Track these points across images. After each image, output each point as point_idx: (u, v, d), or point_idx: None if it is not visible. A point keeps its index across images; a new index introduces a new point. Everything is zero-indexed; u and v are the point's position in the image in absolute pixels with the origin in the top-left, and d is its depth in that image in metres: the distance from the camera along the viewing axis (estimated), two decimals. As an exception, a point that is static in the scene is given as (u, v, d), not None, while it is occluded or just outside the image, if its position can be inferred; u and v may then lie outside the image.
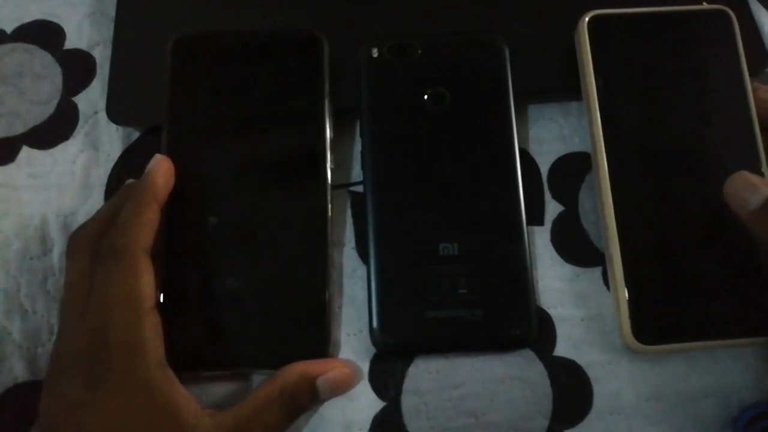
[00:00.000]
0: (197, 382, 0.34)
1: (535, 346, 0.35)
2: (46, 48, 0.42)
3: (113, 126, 0.39)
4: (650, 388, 0.34)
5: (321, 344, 0.33)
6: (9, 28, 0.42)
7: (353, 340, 0.35)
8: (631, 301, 0.33)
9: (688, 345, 0.33)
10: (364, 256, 0.36)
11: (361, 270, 0.36)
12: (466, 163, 0.36)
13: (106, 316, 0.30)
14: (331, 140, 0.36)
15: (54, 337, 0.35)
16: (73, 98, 0.41)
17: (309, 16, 0.41)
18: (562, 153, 0.39)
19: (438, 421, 0.33)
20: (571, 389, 0.34)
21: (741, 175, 0.33)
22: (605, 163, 0.35)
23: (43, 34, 0.42)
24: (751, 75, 0.36)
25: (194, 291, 0.34)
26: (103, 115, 0.39)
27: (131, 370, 0.29)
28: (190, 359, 0.33)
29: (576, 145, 0.39)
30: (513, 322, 0.34)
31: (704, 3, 0.38)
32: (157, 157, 0.35)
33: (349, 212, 0.38)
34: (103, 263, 0.31)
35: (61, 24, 0.42)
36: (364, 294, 0.35)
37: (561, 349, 0.35)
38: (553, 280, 0.36)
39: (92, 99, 0.40)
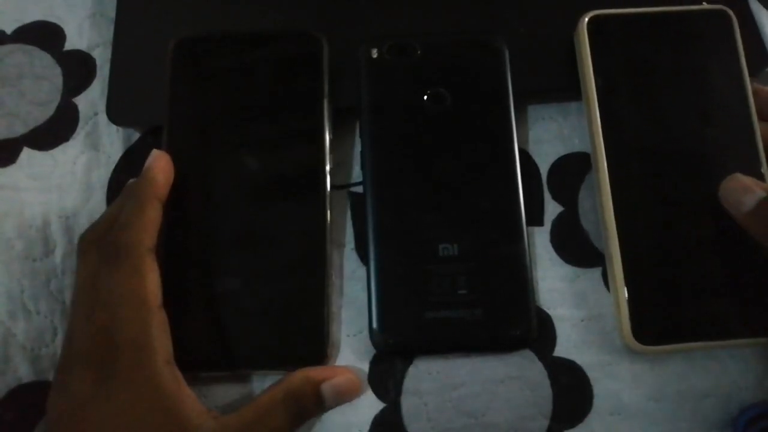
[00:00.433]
0: (197, 383, 0.34)
1: (535, 346, 0.35)
2: (46, 49, 0.42)
3: (113, 127, 0.40)
4: (650, 388, 0.34)
5: (320, 344, 0.33)
6: (9, 29, 0.42)
7: (353, 340, 0.35)
8: (631, 302, 0.33)
9: (688, 345, 0.33)
10: (363, 256, 0.36)
11: (361, 270, 0.36)
12: (466, 163, 0.36)
13: (113, 315, 0.30)
14: (330, 141, 0.36)
15: (58, 338, 0.35)
16: (73, 99, 0.41)
17: (309, 17, 0.40)
18: (562, 153, 0.39)
19: (438, 421, 0.33)
20: (571, 389, 0.34)
21: (735, 177, 0.34)
22: (605, 164, 0.35)
23: (43, 35, 0.42)
24: (751, 75, 0.36)
25: (193, 291, 0.34)
26: (103, 116, 0.39)
27: (138, 369, 0.29)
28: (190, 360, 0.33)
29: (576, 146, 0.39)
30: (513, 322, 0.34)
31: (704, 3, 0.38)
32: (155, 153, 0.35)
33: (348, 213, 0.38)
34: (108, 262, 0.31)
35: (61, 25, 0.42)
36: (363, 294, 0.35)
37: (561, 350, 0.35)
38: (553, 281, 0.36)
39: (92, 100, 0.40)
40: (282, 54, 0.38)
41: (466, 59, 0.38)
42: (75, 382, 0.30)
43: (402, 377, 0.34)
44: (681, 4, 0.37)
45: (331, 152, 0.36)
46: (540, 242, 0.37)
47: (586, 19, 0.37)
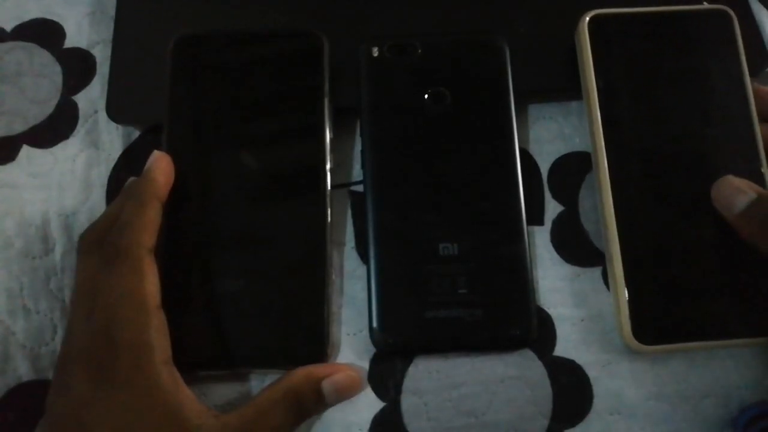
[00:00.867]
0: (197, 382, 0.34)
1: (535, 346, 0.35)
2: (45, 47, 0.42)
3: (113, 125, 0.39)
4: (650, 388, 0.34)
5: (320, 344, 0.33)
6: (8, 27, 0.42)
7: (353, 340, 0.35)
8: (631, 301, 0.33)
9: (688, 345, 0.33)
10: (364, 255, 0.36)
11: (361, 270, 0.36)
12: (466, 162, 0.36)
13: (112, 316, 0.30)
14: (331, 140, 0.36)
15: (57, 336, 0.35)
16: (73, 97, 0.40)
17: (309, 16, 0.40)
18: (563, 153, 0.39)
19: (438, 421, 0.33)
20: (571, 389, 0.34)
21: (726, 179, 0.34)
22: (605, 163, 0.35)
23: (43, 32, 0.42)
24: (751, 75, 0.36)
25: (193, 290, 0.34)
26: (103, 114, 0.39)
27: (137, 369, 0.29)
28: (190, 359, 0.33)
29: (576, 145, 0.39)
30: (513, 322, 0.34)
31: (705, 3, 0.38)
32: (156, 153, 0.35)
33: (349, 212, 0.38)
34: (108, 262, 0.31)
35: (61, 23, 0.42)
36: (364, 294, 0.35)
37: (561, 349, 0.35)
38: (553, 280, 0.36)
39: (92, 98, 0.40)
40: (283, 53, 0.37)
41: (467, 59, 0.38)
42: (74, 382, 0.30)
43: (402, 376, 0.34)
44: (682, 3, 0.37)
45: (331, 151, 0.36)
46: (540, 242, 0.37)
47: (587, 19, 0.37)
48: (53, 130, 0.40)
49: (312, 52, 0.37)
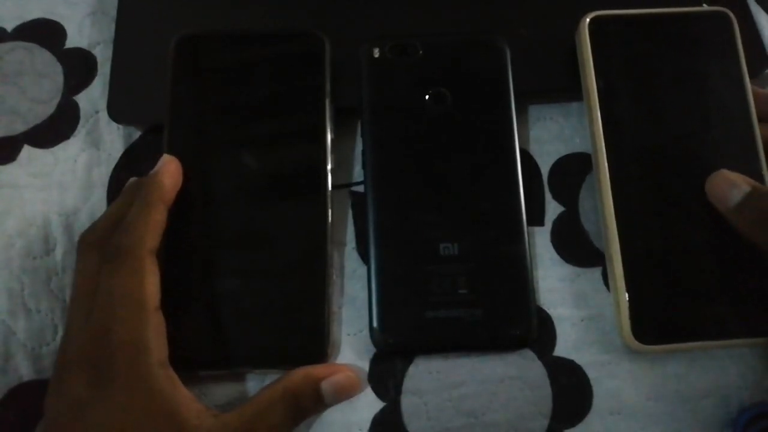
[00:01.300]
0: (197, 382, 0.34)
1: (535, 346, 0.35)
2: (46, 47, 0.42)
3: (114, 125, 0.39)
4: (650, 388, 0.34)
5: (321, 344, 0.33)
6: (9, 27, 0.42)
7: (353, 340, 0.35)
8: (631, 301, 0.33)
9: (687, 345, 0.33)
10: (364, 256, 0.36)
11: (362, 270, 0.36)
12: (467, 163, 0.36)
13: (111, 316, 0.30)
14: (332, 140, 0.36)
15: (58, 336, 0.35)
16: (74, 97, 0.40)
17: (311, 17, 0.41)
18: (563, 153, 0.39)
19: (438, 421, 0.33)
20: (571, 389, 0.34)
21: (721, 173, 0.34)
22: (605, 164, 0.35)
23: (44, 32, 0.42)
24: (751, 77, 0.36)
25: (194, 290, 0.34)
26: (104, 114, 0.39)
27: (134, 370, 0.29)
28: (190, 359, 0.33)
29: (576, 146, 0.39)
30: (513, 322, 0.34)
31: (704, 5, 0.38)
32: (166, 157, 0.35)
33: (350, 212, 0.38)
34: (109, 263, 0.31)
35: (62, 23, 0.42)
36: (364, 294, 0.35)
37: (561, 349, 0.35)
38: (553, 280, 0.36)
39: (93, 98, 0.40)
40: (284, 53, 0.37)
41: (468, 59, 0.38)
42: (72, 383, 0.30)
43: (402, 376, 0.34)
44: (681, 5, 0.37)
45: (332, 152, 0.36)
46: (540, 242, 0.37)
47: (588, 20, 0.37)
48: (54, 130, 0.40)
49: (313, 52, 0.37)
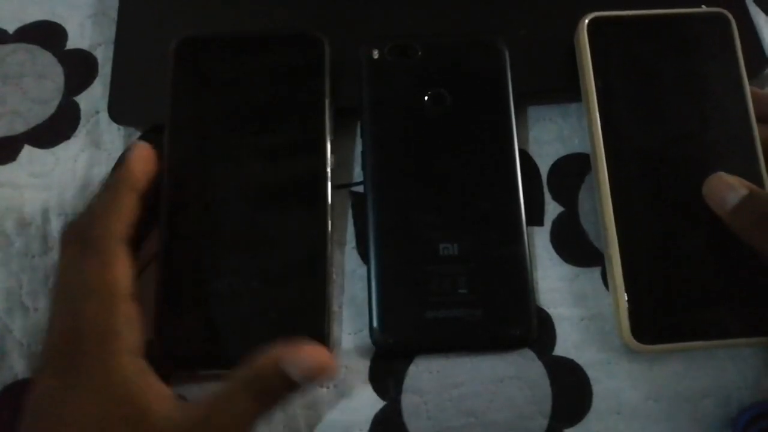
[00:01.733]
0: (197, 382, 0.34)
1: (535, 345, 0.35)
2: (47, 48, 0.42)
3: (115, 125, 0.39)
4: (650, 388, 0.34)
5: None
6: (11, 29, 0.42)
7: (353, 339, 0.35)
8: (631, 301, 0.33)
9: (687, 345, 0.33)
10: (364, 255, 0.36)
11: (362, 269, 0.36)
12: (466, 163, 0.36)
13: (78, 306, 0.30)
14: (331, 141, 0.36)
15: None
16: (74, 97, 0.41)
17: (310, 18, 0.41)
18: (562, 154, 0.39)
19: (438, 420, 0.33)
20: (571, 389, 0.34)
21: (718, 175, 0.34)
22: (604, 165, 0.35)
23: (45, 34, 0.42)
24: (749, 78, 0.36)
25: (194, 290, 0.34)
26: (104, 115, 0.39)
27: (101, 360, 0.29)
28: (189, 358, 0.33)
29: (576, 146, 0.39)
30: (513, 322, 0.34)
31: (703, 6, 0.38)
32: (136, 143, 0.34)
33: (350, 212, 0.38)
34: (80, 254, 0.31)
35: (63, 24, 0.42)
36: (364, 294, 0.35)
37: (560, 349, 0.35)
38: (553, 280, 0.36)
39: (94, 98, 0.40)
40: (284, 54, 0.38)
41: (467, 60, 0.38)
42: (45, 376, 0.29)
43: (402, 376, 0.34)
44: (680, 6, 0.38)
45: (332, 152, 0.36)
46: (540, 242, 0.37)
47: (586, 21, 0.37)
48: (54, 130, 0.40)
49: (313, 53, 0.37)
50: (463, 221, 0.35)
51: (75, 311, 0.30)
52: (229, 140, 0.36)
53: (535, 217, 0.37)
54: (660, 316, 0.33)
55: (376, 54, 0.38)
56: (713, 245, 0.34)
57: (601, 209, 0.35)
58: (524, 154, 0.39)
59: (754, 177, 0.35)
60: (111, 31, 0.41)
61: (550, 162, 0.39)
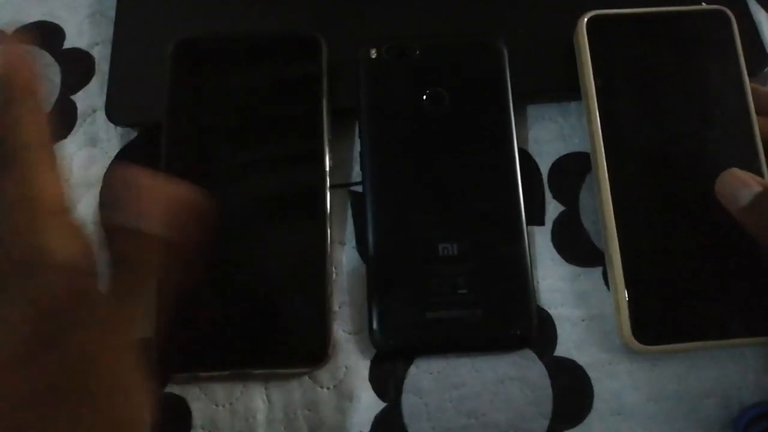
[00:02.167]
0: (197, 382, 0.34)
1: (536, 346, 0.35)
2: (45, 47, 0.42)
3: (112, 124, 0.39)
4: (651, 388, 0.34)
5: (321, 343, 0.33)
6: (10, 30, 0.42)
7: (353, 340, 0.35)
8: (631, 302, 0.33)
9: (688, 345, 0.33)
10: (364, 255, 0.36)
11: (361, 270, 0.36)
12: (466, 163, 0.36)
13: (4, 230, 0.25)
14: (329, 140, 0.36)
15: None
16: (71, 96, 0.40)
17: (308, 18, 0.40)
18: (562, 153, 0.39)
19: (438, 421, 0.33)
20: (572, 389, 0.34)
21: (731, 171, 0.34)
22: (604, 164, 0.35)
23: (43, 34, 0.42)
24: (750, 75, 0.36)
25: (194, 290, 0.34)
26: (101, 114, 0.39)
27: (27, 275, 0.25)
28: (189, 359, 0.33)
29: (576, 145, 0.39)
30: (513, 322, 0.34)
31: (703, 3, 0.38)
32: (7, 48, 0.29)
33: (349, 212, 0.37)
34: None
35: (61, 25, 0.42)
36: (364, 294, 0.35)
37: (561, 349, 0.35)
38: (554, 280, 0.36)
39: (91, 97, 0.40)
40: (281, 55, 0.38)
41: (465, 60, 0.38)
42: None
43: (403, 377, 0.34)
44: (680, 4, 0.38)
45: (330, 152, 0.36)
46: (541, 242, 0.37)
47: (586, 20, 0.37)
48: (51, 128, 0.39)
49: (311, 53, 0.37)
50: (463, 221, 0.35)
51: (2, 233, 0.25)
52: (226, 141, 0.36)
53: (536, 216, 0.37)
54: (661, 317, 0.33)
55: (374, 54, 0.38)
56: (714, 245, 0.34)
57: (601, 208, 0.35)
58: (524, 154, 0.38)
59: (755, 174, 0.34)
60: (108, 31, 0.41)
61: (551, 161, 0.39)
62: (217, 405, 0.33)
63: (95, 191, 0.38)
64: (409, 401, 0.34)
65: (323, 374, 0.34)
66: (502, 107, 0.37)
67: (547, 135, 0.39)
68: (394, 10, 0.40)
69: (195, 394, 0.31)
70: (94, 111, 0.40)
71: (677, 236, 0.34)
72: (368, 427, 0.33)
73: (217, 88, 0.37)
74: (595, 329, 0.35)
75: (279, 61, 0.37)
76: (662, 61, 0.37)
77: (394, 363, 0.34)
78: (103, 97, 0.38)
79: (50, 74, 0.41)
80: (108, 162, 0.39)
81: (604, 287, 0.36)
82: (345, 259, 0.36)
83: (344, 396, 0.34)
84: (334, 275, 0.35)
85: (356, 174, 0.38)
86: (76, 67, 0.41)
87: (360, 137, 0.37)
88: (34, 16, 0.43)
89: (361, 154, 0.36)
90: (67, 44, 0.42)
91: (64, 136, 0.39)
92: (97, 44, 0.42)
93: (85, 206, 0.38)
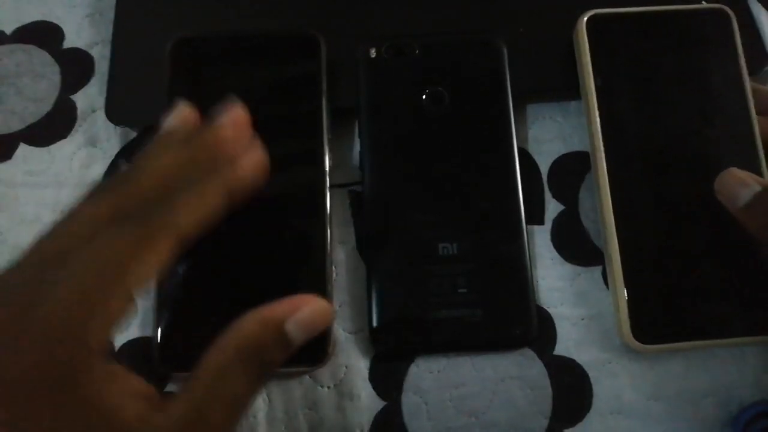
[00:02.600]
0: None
1: (536, 345, 0.35)
2: (44, 47, 0.42)
3: (111, 124, 0.39)
4: (650, 387, 0.34)
5: (321, 343, 0.33)
6: (8, 29, 0.42)
7: (353, 339, 0.35)
8: (631, 301, 0.33)
9: (687, 344, 0.33)
10: (364, 255, 0.36)
11: (361, 269, 0.36)
12: (465, 162, 0.36)
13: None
14: (329, 140, 0.36)
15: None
16: (71, 96, 0.40)
17: (307, 17, 0.40)
18: (562, 152, 0.39)
19: (439, 420, 0.33)
20: (571, 389, 0.34)
21: (731, 171, 0.34)
22: (604, 163, 0.35)
23: (42, 34, 0.42)
24: (750, 74, 0.36)
25: (194, 290, 0.34)
26: (101, 113, 0.39)
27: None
28: (189, 359, 0.33)
29: (576, 145, 0.39)
30: (513, 321, 0.34)
31: (703, 2, 0.38)
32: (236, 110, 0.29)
33: (349, 211, 0.37)
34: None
35: (60, 24, 0.42)
36: (364, 293, 0.35)
37: (561, 349, 0.35)
38: (554, 280, 0.36)
39: (90, 97, 0.40)
40: (281, 54, 0.37)
41: (465, 59, 0.38)
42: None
43: (403, 376, 0.34)
44: (680, 3, 0.37)
45: (330, 151, 0.36)
46: (541, 241, 0.37)
47: (585, 19, 0.37)
48: (51, 128, 0.40)
49: (310, 52, 0.37)
50: (463, 220, 0.35)
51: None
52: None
53: (536, 215, 0.37)
54: (660, 316, 0.33)
55: (373, 53, 0.38)
56: (713, 244, 0.34)
57: (601, 208, 0.35)
58: (524, 153, 0.38)
59: (755, 174, 0.34)
60: (108, 31, 0.40)
61: (551, 160, 0.39)
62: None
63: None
64: (409, 400, 0.34)
65: (323, 373, 0.34)
66: (501, 106, 0.37)
67: (547, 134, 0.39)
68: (394, 10, 0.40)
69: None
70: (94, 111, 0.40)
71: (677, 235, 0.34)
72: (368, 426, 0.33)
73: (216, 87, 0.37)
74: (595, 328, 0.35)
75: (278, 61, 0.37)
76: (662, 60, 0.37)
77: (394, 362, 0.34)
78: (103, 97, 0.38)
79: (50, 74, 0.41)
80: (107, 162, 0.39)
81: (604, 286, 0.36)
82: (345, 259, 0.36)
83: (344, 395, 0.34)
84: (334, 275, 0.35)
85: (356, 173, 0.38)
86: (76, 67, 0.41)
87: (360, 137, 0.37)
88: (33, 15, 0.43)
89: (361, 153, 0.36)
90: (67, 44, 0.42)
91: (64, 136, 0.39)
92: (96, 44, 0.42)
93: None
